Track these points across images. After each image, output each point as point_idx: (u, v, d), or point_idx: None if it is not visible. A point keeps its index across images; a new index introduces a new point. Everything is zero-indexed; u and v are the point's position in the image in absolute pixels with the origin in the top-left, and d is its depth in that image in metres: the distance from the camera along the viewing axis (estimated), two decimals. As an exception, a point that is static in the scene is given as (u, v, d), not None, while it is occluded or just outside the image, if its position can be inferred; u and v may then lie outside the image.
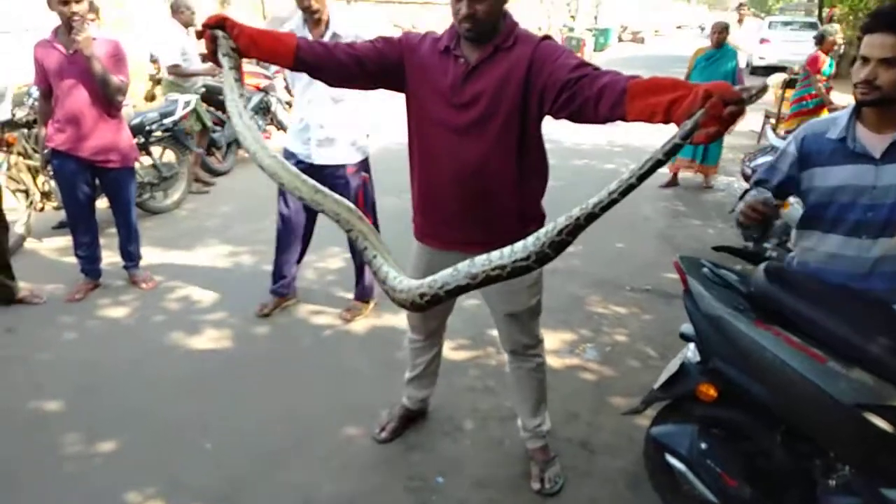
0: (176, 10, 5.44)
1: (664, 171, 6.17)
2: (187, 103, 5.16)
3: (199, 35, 1.65)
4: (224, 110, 5.97)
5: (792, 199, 3.07)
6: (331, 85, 1.92)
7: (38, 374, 2.92)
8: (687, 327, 1.93)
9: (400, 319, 3.24)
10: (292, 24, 2.97)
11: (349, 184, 3.07)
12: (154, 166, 4.96)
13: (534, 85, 1.72)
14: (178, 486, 2.26)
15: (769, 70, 10.46)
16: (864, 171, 1.72)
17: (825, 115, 4.81)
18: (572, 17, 25.37)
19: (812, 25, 16.65)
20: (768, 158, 3.57)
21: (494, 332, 2.49)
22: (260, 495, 2.24)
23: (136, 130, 4.56)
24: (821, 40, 5.84)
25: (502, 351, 2.32)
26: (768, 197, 1.79)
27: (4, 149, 4.34)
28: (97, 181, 3.55)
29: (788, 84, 6.90)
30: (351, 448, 2.46)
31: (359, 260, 3.39)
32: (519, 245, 1.21)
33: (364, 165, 3.19)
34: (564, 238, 1.17)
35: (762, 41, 15.53)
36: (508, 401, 2.60)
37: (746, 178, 4.23)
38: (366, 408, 2.66)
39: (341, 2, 12.70)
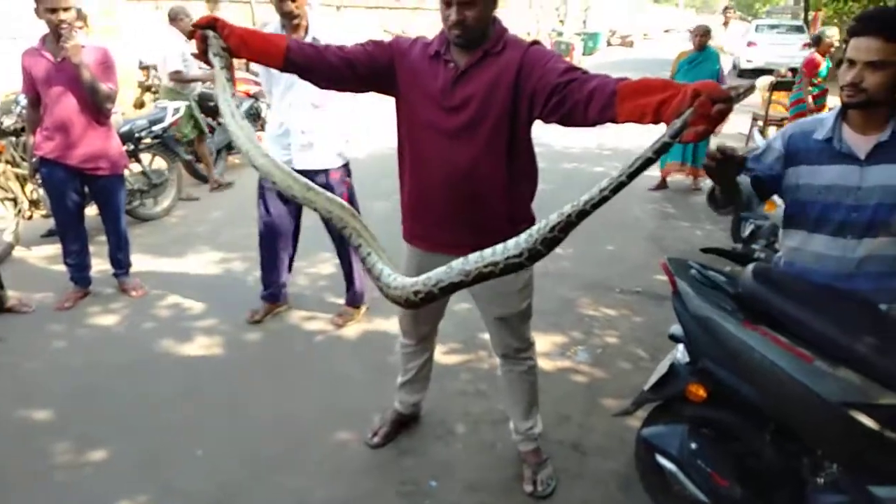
0: (174, 18, 5.45)
1: (654, 175, 6.21)
2: (176, 110, 5.15)
3: (190, 35, 1.66)
4: (215, 117, 5.97)
5: (777, 200, 3.10)
6: (321, 87, 1.93)
7: (28, 382, 2.90)
8: (676, 328, 1.94)
9: (392, 324, 3.24)
10: (270, 28, 2.98)
11: (334, 190, 3.07)
12: (143, 173, 4.95)
13: (523, 89, 1.74)
14: (170, 493, 2.25)
15: (756, 73, 10.57)
16: (849, 171, 1.74)
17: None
18: (561, 21, 25.49)
19: (798, 29, 16.84)
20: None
21: (486, 336, 2.50)
22: (252, 501, 2.23)
23: (126, 138, 4.55)
24: (818, 42, 5.90)
25: (494, 355, 2.33)
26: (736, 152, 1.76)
27: (-8, 157, 4.32)
28: (86, 189, 3.54)
29: (776, 87, 6.98)
30: (343, 453, 2.46)
31: (347, 265, 3.38)
32: (511, 242, 1.22)
33: (347, 170, 3.19)
34: (556, 235, 1.18)
35: (749, 44, 15.67)
36: (500, 404, 2.61)
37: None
38: (358, 413, 2.66)
39: (331, 7, 12.72)
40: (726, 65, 6.47)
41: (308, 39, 2.87)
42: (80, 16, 4.73)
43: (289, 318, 3.51)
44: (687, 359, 1.92)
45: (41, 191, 4.42)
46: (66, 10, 3.12)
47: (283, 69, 1.76)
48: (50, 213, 4.01)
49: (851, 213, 1.76)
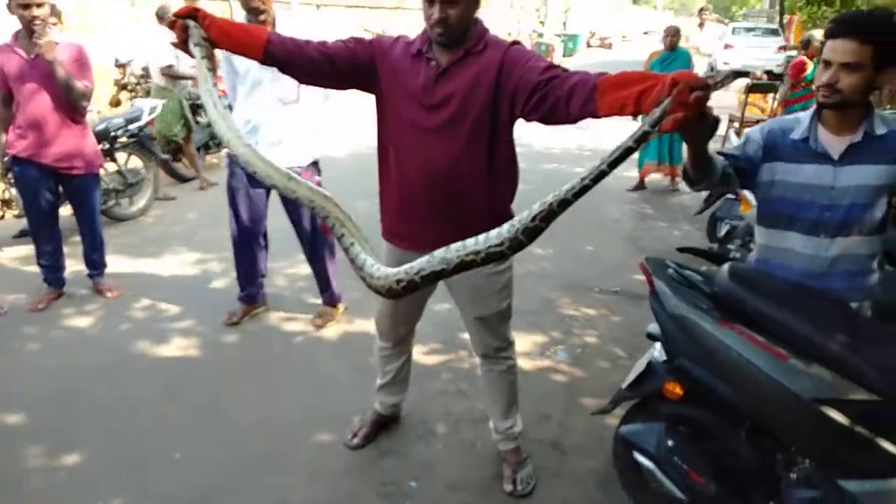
0: (163, 17, 5.40)
1: (632, 175, 6.28)
2: (153, 108, 5.09)
3: (171, 25, 1.65)
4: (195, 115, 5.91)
5: (752, 201, 3.15)
6: (300, 81, 1.93)
7: (0, 386, 2.84)
8: (653, 327, 1.96)
9: (372, 325, 3.22)
10: None
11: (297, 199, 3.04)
12: (119, 172, 4.88)
13: (504, 87, 1.75)
14: (148, 497, 2.22)
15: (737, 75, 10.68)
16: (823, 171, 1.78)
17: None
18: (541, 22, 25.62)
19: (774, 32, 17.10)
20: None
21: (466, 336, 2.51)
22: (231, 503, 2.21)
23: (101, 136, 4.49)
24: (806, 45, 5.99)
25: (474, 354, 2.34)
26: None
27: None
28: (60, 188, 3.48)
29: (752, 89, 7.08)
30: (323, 455, 2.45)
31: (321, 266, 3.36)
32: (493, 232, 1.22)
33: (316, 168, 3.17)
34: (538, 224, 1.18)
35: (726, 46, 15.88)
36: (480, 403, 2.62)
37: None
38: (338, 414, 2.65)
39: (311, 6, 12.65)
40: (703, 66, 6.57)
41: None
42: (54, 12, 4.64)
43: (267, 319, 3.48)
44: (664, 357, 1.94)
45: (13, 190, 4.34)
46: (39, 5, 3.06)
47: (263, 61, 1.75)
48: (22, 212, 3.93)
49: (825, 212, 1.79)
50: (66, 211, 3.75)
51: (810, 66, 5.87)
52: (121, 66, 6.74)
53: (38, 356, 3.10)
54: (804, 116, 1.84)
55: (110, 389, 2.82)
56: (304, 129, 3.07)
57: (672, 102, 1.18)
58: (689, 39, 9.12)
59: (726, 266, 1.89)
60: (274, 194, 3.21)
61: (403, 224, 2.00)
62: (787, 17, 18.65)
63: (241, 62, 2.86)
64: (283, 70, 1.81)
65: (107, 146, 4.61)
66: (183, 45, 1.65)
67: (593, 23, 30.37)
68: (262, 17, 2.84)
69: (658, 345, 1.98)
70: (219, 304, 3.53)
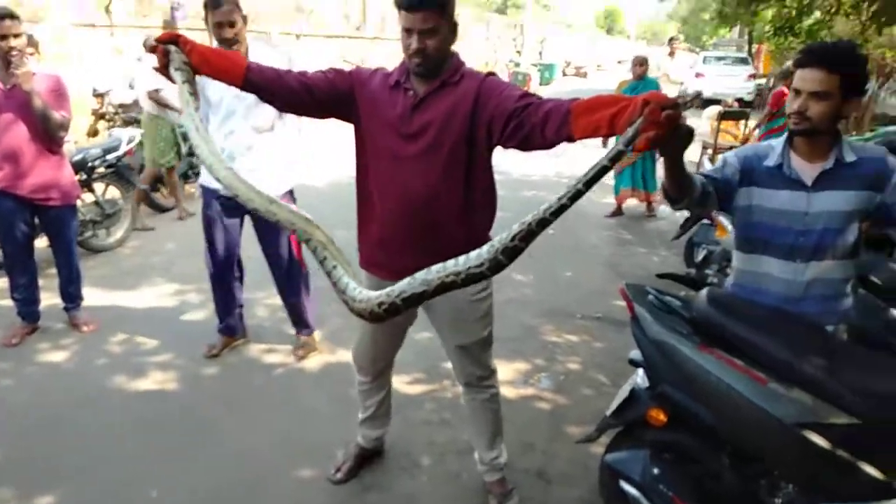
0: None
1: (610, 202, 6.37)
2: (131, 139, 5.06)
3: (152, 50, 1.66)
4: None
5: (728, 227, 3.21)
6: (280, 109, 1.94)
7: (-31, 424, 2.76)
8: (636, 353, 1.98)
9: (354, 354, 3.21)
10: None
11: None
12: (96, 203, 4.83)
13: (481, 116, 1.78)
14: (123, 538, 2.16)
15: (705, 103, 10.96)
16: (797, 197, 1.82)
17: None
18: (518, 52, 26.09)
19: (743, 61, 17.61)
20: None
21: (448, 365, 2.49)
22: (210, 543, 2.15)
23: (79, 167, 4.44)
24: (786, 76, 6.16)
25: (457, 383, 2.32)
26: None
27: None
28: (36, 220, 3.43)
29: (724, 116, 7.26)
30: (305, 490, 2.40)
31: (295, 298, 3.34)
32: (474, 253, 1.23)
33: (291, 197, 3.17)
34: (517, 244, 1.19)
35: (697, 75, 16.28)
36: (465, 434, 2.59)
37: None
38: (321, 447, 2.61)
39: (291, 36, 12.77)
40: (673, 94, 6.71)
41: None
42: (32, 42, 4.64)
43: (247, 351, 3.44)
44: (647, 383, 1.95)
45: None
46: (16, 36, 3.05)
47: (243, 87, 1.77)
48: (-4, 245, 3.86)
49: (799, 237, 1.83)
50: (41, 243, 3.70)
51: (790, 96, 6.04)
52: (99, 95, 6.72)
53: (11, 392, 3.01)
54: (777, 143, 1.89)
55: (85, 426, 2.75)
56: (280, 158, 3.07)
57: (644, 122, 1.23)
58: (661, 68, 9.31)
59: (704, 291, 1.92)
60: (248, 226, 3.20)
61: (381, 253, 2.00)
62: (755, 47, 19.27)
63: (214, 92, 2.86)
64: (261, 97, 1.83)
65: (84, 177, 4.56)
66: (164, 69, 1.66)
67: (569, 52, 31.03)
68: (234, 48, 2.85)
69: (641, 371, 1.99)
70: (198, 336, 3.48)
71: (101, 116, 6.67)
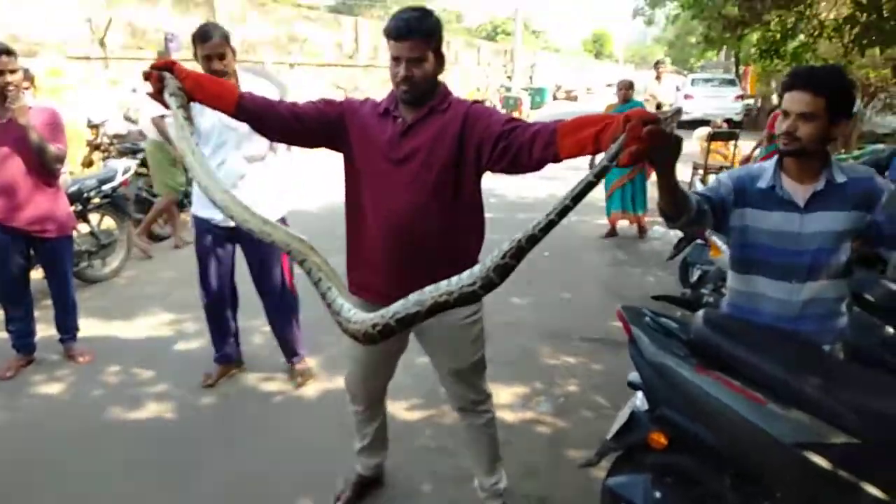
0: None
1: (604, 223, 6.41)
2: (127, 169, 5.09)
3: (147, 76, 1.68)
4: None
5: (722, 247, 3.24)
6: (270, 138, 1.97)
7: (-37, 460, 2.72)
8: (634, 376, 1.98)
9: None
10: None
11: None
12: (92, 234, 4.83)
13: (469, 140, 1.82)
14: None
15: (694, 124, 11.08)
16: (791, 218, 1.85)
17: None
18: (509, 77, 26.41)
19: (731, 82, 17.88)
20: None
21: (448, 390, 2.49)
22: (209, 578, 2.12)
23: (74, 198, 4.46)
24: None
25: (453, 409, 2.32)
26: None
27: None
28: (32, 251, 3.43)
29: (713, 137, 7.35)
30: (305, 520, 2.38)
31: (282, 330, 3.34)
32: (466, 273, 1.25)
33: (284, 223, 3.18)
34: (508, 262, 1.21)
35: (686, 97, 16.50)
36: (465, 460, 2.57)
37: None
38: (321, 476, 2.58)
39: (284, 65, 12.90)
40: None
41: None
42: (28, 76, 4.67)
43: (244, 379, 3.42)
44: (646, 406, 1.95)
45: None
46: (12, 72, 3.09)
47: (235, 115, 1.80)
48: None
49: (794, 257, 1.85)
50: (36, 274, 3.69)
51: None
52: (94, 126, 6.75)
53: (5, 426, 2.98)
54: (769, 165, 1.92)
55: (80, 459, 2.72)
56: (272, 187, 3.09)
57: (627, 137, 1.27)
58: (647, 90, 9.41)
59: (701, 313, 1.93)
60: (239, 257, 3.21)
61: (371, 276, 2.01)
62: (742, 68, 19.58)
63: (204, 122, 2.87)
64: (253, 126, 1.87)
65: (80, 207, 4.57)
66: (158, 94, 1.69)
67: (559, 76, 31.45)
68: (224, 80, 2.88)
69: (640, 393, 1.99)
70: (194, 365, 3.46)
71: (97, 147, 6.69)
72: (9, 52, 3.09)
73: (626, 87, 6.18)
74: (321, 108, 1.91)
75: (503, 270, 1.21)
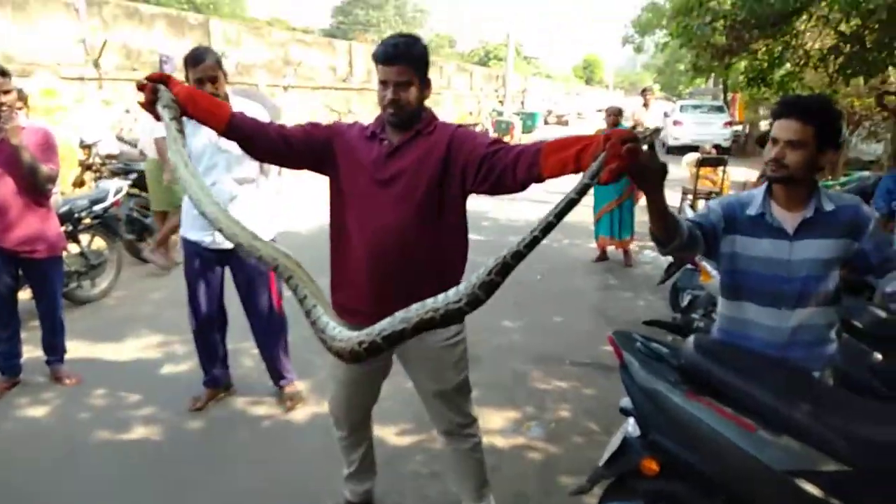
0: None
1: (594, 248, 6.44)
2: (119, 190, 5.08)
3: (140, 88, 1.69)
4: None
5: (713, 272, 3.26)
6: (258, 159, 2.00)
7: (-56, 485, 2.67)
8: (626, 401, 1.98)
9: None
10: None
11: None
12: (82, 254, 4.79)
13: (454, 162, 1.86)
14: None
15: (683, 149, 11.22)
16: (780, 245, 1.87)
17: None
18: (501, 101, 26.67)
19: (719, 109, 18.15)
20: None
21: (439, 415, 2.47)
22: None
23: (65, 218, 4.44)
24: None
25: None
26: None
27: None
28: (20, 271, 3.40)
29: (702, 163, 7.44)
30: (293, 547, 2.34)
31: (270, 352, 3.33)
32: (452, 290, 1.25)
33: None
34: (493, 278, 1.21)
35: (675, 123, 16.73)
36: (455, 486, 2.55)
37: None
38: (310, 501, 2.54)
39: (278, 87, 12.97)
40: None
41: None
42: (21, 96, 4.67)
43: (233, 403, 3.38)
44: (638, 432, 1.95)
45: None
46: (6, 93, 3.09)
47: (225, 133, 1.82)
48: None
49: (783, 284, 1.87)
50: (24, 294, 3.65)
51: None
52: (86, 146, 6.74)
53: (-12, 450, 2.93)
54: (758, 192, 1.95)
55: (65, 485, 2.67)
56: (262, 209, 3.11)
57: (607, 155, 1.30)
58: (635, 115, 9.51)
59: (692, 338, 1.94)
60: (228, 279, 3.20)
61: (355, 297, 2.00)
62: (731, 95, 19.88)
63: (196, 143, 2.88)
64: (241, 144, 1.89)
65: (70, 228, 4.55)
66: (151, 105, 1.69)
67: (550, 102, 31.80)
68: None
69: (632, 419, 1.99)
70: (183, 388, 3.43)
71: (89, 167, 6.67)
72: (3, 73, 3.10)
73: (615, 114, 6.27)
74: (309, 131, 1.96)
75: (489, 287, 1.22)
